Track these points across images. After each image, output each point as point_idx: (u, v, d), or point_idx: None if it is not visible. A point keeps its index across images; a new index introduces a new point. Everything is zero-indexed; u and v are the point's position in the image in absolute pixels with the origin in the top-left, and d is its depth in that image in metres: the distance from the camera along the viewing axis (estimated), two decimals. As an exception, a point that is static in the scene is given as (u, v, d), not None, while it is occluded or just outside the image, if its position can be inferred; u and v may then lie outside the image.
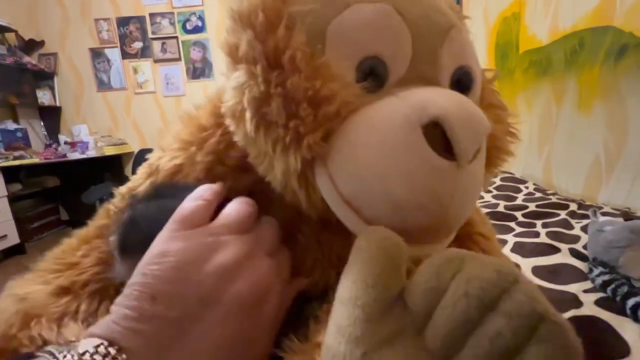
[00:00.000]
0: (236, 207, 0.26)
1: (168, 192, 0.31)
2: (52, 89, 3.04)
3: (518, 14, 1.77)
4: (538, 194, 1.37)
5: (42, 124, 3.04)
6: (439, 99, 0.21)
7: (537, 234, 0.95)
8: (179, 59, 3.06)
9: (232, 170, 0.33)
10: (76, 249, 0.34)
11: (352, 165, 0.23)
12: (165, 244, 0.22)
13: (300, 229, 0.33)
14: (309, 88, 0.21)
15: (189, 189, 0.28)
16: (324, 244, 0.33)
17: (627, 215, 0.98)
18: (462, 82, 0.26)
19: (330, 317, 0.19)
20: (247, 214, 0.26)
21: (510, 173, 1.69)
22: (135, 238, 0.27)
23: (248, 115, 0.23)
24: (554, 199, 1.26)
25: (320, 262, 0.33)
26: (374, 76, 0.23)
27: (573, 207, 1.16)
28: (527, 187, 1.47)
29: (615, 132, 1.24)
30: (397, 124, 0.21)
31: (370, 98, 0.23)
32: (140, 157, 2.96)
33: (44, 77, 2.99)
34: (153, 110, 3.13)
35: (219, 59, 3.05)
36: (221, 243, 0.23)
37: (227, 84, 0.26)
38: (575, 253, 0.82)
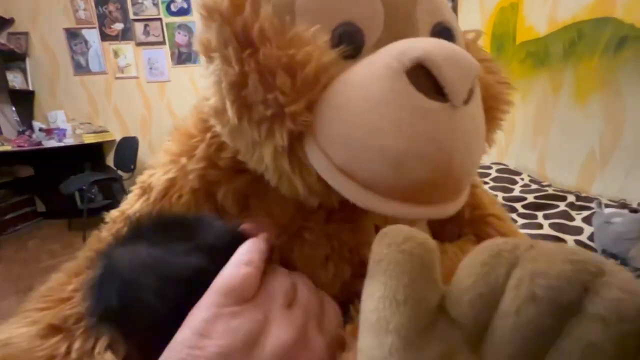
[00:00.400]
0: (280, 279, 0.24)
1: (175, 228, 0.25)
2: (23, 71, 2.83)
3: (516, 5, 1.76)
4: (534, 186, 1.38)
5: (13, 109, 2.84)
6: (419, 43, 0.20)
7: (540, 226, 0.95)
8: (163, 43, 2.91)
9: (225, 174, 0.32)
10: (66, 284, 0.31)
11: (341, 129, 0.21)
12: (208, 322, 0.18)
13: (305, 226, 0.32)
14: (282, 56, 0.21)
15: (204, 223, 0.24)
16: (333, 237, 0.31)
17: (625, 206, 0.99)
18: (442, 37, 0.25)
19: (358, 347, 0.15)
20: (289, 285, 0.24)
21: (504, 164, 1.70)
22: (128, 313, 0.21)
23: (229, 103, 0.23)
24: (550, 191, 1.27)
25: (331, 258, 0.31)
26: (349, 43, 0.22)
27: (571, 198, 1.17)
28: (522, 179, 1.48)
29: (611, 124, 1.25)
30: (379, 74, 0.20)
31: (349, 64, 0.22)
32: (123, 145, 2.83)
33: (15, 59, 2.78)
34: (136, 97, 2.98)
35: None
36: (272, 320, 0.20)
37: (206, 82, 0.25)
38: (581, 245, 0.81)
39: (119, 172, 2.76)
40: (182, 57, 2.95)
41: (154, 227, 0.25)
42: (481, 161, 0.26)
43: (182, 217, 0.27)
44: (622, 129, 1.21)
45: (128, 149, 2.74)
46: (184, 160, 0.33)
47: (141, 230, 0.25)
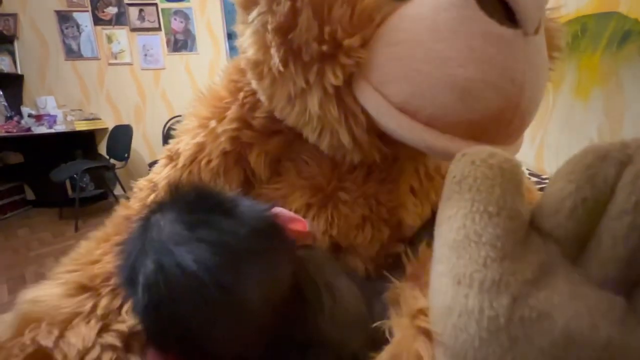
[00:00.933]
0: None
1: (213, 203, 0.23)
2: (12, 54, 2.72)
3: (519, -2, 1.76)
4: (533, 179, 1.39)
5: (1, 93, 2.74)
6: None
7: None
8: (158, 29, 2.83)
9: (259, 135, 0.32)
10: (95, 249, 0.32)
11: (401, 65, 0.21)
12: None
13: (341, 187, 0.31)
14: None
15: (239, 202, 0.23)
16: (370, 198, 0.31)
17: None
18: None
19: (434, 275, 0.15)
20: None
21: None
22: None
23: (274, 49, 0.22)
24: (551, 183, 1.29)
25: (369, 219, 0.31)
26: None
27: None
28: (522, 172, 1.50)
29: (611, 119, 1.27)
30: (446, 3, 0.19)
31: (400, 4, 0.21)
32: (116, 134, 2.76)
33: (2, 41, 2.67)
34: (129, 84, 2.90)
35: (203, 32, 2.86)
36: None
37: (243, 37, 0.24)
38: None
39: (112, 160, 2.70)
40: (178, 44, 2.88)
41: (192, 198, 0.24)
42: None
43: (218, 192, 0.26)
44: (621, 123, 1.23)
45: (121, 137, 2.67)
46: (213, 123, 0.32)
47: (179, 199, 0.24)
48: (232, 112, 0.31)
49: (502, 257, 0.12)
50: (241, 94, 0.31)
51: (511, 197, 0.13)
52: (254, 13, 0.23)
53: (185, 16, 2.83)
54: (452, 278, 0.13)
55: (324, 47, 0.21)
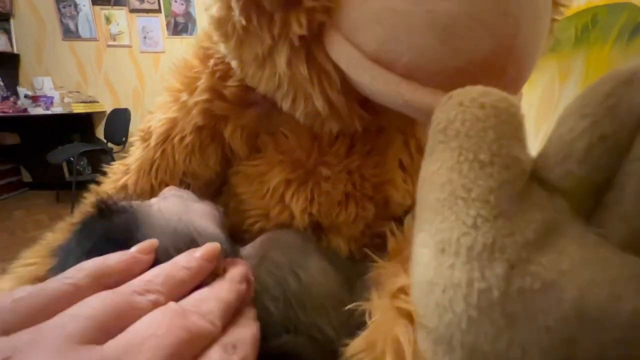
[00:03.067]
0: None
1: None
2: (7, 32, 2.67)
3: (529, -13, 1.71)
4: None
5: (-3, 72, 2.70)
6: None
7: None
8: (158, 11, 2.77)
9: (233, 107, 0.29)
10: (58, 240, 0.30)
11: (374, 5, 0.17)
12: None
13: (323, 162, 0.29)
14: None
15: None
16: (354, 173, 0.29)
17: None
18: None
19: (415, 243, 0.12)
20: None
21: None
22: None
23: (234, 1, 0.19)
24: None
25: (352, 196, 0.29)
26: None
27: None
28: (525, 166, 1.48)
29: (618, 113, 1.24)
30: None
31: None
32: (114, 117, 2.73)
33: (-1, 18, 2.62)
34: (128, 67, 2.85)
35: (204, 15, 2.79)
36: None
37: None
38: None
39: (110, 144, 2.67)
40: (179, 27, 2.82)
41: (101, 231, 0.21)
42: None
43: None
44: (630, 118, 1.20)
45: (119, 121, 2.64)
46: (184, 96, 0.30)
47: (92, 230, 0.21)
48: (202, 82, 0.29)
49: (496, 215, 0.10)
50: (211, 62, 0.28)
51: (508, 142, 0.10)
52: None
53: (185, -2, 2.77)
54: (434, 246, 0.11)
55: None
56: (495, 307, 0.09)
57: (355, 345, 0.16)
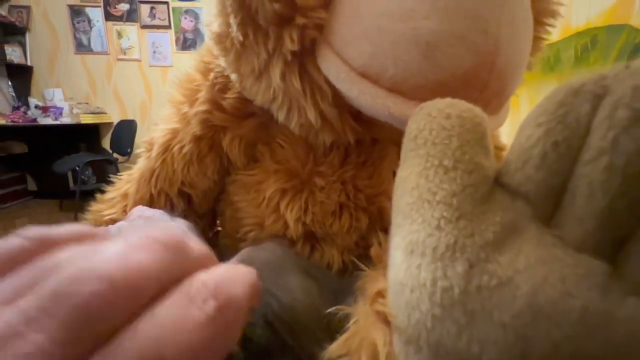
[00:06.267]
0: None
1: None
2: (22, 45, 2.77)
3: (528, 8, 1.76)
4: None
5: (9, 83, 2.77)
6: None
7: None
8: (168, 27, 2.87)
9: (231, 117, 0.30)
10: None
11: (361, 22, 0.19)
12: None
13: (317, 172, 0.29)
14: None
15: None
16: (348, 183, 0.29)
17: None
18: None
19: (390, 247, 0.13)
20: None
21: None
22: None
23: (232, 17, 0.20)
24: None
25: (346, 207, 0.29)
26: None
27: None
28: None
29: (618, 132, 1.25)
30: None
31: None
32: (120, 128, 2.78)
33: (14, 32, 2.72)
34: (137, 80, 2.92)
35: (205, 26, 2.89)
36: None
37: (212, 10, 0.23)
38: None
39: (115, 155, 2.71)
40: (187, 42, 2.91)
41: None
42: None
43: None
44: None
45: (126, 132, 2.68)
46: (185, 107, 0.31)
47: None
48: (202, 95, 0.30)
49: (458, 216, 0.10)
50: (211, 75, 0.30)
51: (471, 149, 0.11)
52: None
53: (195, 15, 2.87)
54: (404, 248, 0.11)
55: (276, 6, 0.19)
56: (456, 305, 0.09)
57: (333, 349, 0.17)
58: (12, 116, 2.53)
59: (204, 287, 0.09)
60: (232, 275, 0.10)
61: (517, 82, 0.20)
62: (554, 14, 0.25)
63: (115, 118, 2.93)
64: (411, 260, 0.11)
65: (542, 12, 0.24)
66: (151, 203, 0.34)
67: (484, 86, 0.18)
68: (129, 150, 2.60)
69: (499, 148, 0.36)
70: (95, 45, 2.86)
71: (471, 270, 0.09)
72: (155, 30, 2.88)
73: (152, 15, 2.85)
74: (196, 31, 2.90)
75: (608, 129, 0.09)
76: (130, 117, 2.87)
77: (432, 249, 0.10)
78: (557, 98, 0.10)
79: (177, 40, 2.90)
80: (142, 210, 0.28)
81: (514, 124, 0.25)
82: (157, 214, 0.28)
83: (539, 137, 0.10)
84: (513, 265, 0.09)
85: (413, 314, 0.11)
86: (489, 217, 0.10)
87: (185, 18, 2.87)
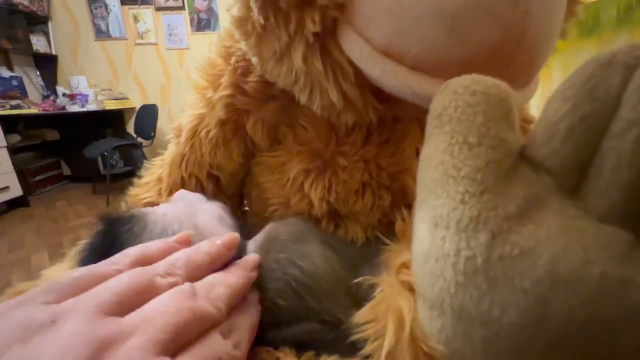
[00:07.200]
0: None
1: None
2: (46, 34, 2.84)
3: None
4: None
5: (38, 73, 2.88)
6: None
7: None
8: (182, 8, 2.85)
9: (254, 101, 0.31)
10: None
11: (383, 0, 0.18)
12: None
13: (340, 152, 0.30)
14: None
15: None
16: (370, 162, 0.29)
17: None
18: None
19: (415, 222, 0.13)
20: None
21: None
22: None
23: (252, 1, 0.20)
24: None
25: (369, 185, 0.30)
26: None
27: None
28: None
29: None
30: None
31: None
32: (143, 113, 2.85)
33: (38, 21, 2.79)
34: (155, 64, 2.96)
35: (225, 11, 2.84)
36: None
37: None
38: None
39: (139, 139, 2.80)
40: (202, 23, 2.89)
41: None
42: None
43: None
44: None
45: (148, 116, 2.76)
46: (209, 93, 0.32)
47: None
48: (225, 79, 0.31)
49: (482, 191, 0.11)
50: (233, 59, 0.30)
51: (496, 125, 0.11)
52: None
53: (208, -6, 2.82)
54: (429, 221, 0.12)
55: None
56: (478, 272, 0.10)
57: (360, 314, 0.18)
58: (43, 105, 2.65)
59: None
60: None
61: (548, 54, 0.20)
62: None
63: (137, 103, 3.00)
64: (435, 232, 0.11)
65: None
66: (182, 185, 0.36)
67: (512, 59, 0.17)
68: (152, 134, 2.68)
69: (527, 121, 0.35)
70: (113, 30, 2.89)
71: (494, 240, 0.10)
72: (170, 12, 2.86)
73: (166, -3, 2.83)
74: (210, 11, 2.87)
75: (638, 101, 0.09)
76: (150, 101, 2.93)
77: (457, 221, 0.11)
78: (587, 71, 0.10)
79: (191, 21, 2.88)
80: (183, 193, 0.30)
81: (545, 95, 0.24)
82: (196, 197, 0.30)
83: (565, 112, 0.10)
84: (535, 236, 0.10)
85: (437, 282, 0.11)
86: (512, 191, 0.10)
87: (199, -3, 2.83)
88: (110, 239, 0.23)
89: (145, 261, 0.17)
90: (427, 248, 0.12)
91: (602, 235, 0.09)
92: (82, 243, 0.25)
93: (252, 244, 0.27)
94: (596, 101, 0.10)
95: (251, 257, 0.21)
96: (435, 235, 0.11)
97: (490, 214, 0.10)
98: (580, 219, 0.10)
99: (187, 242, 0.20)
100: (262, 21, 0.21)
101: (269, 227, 0.29)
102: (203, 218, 0.25)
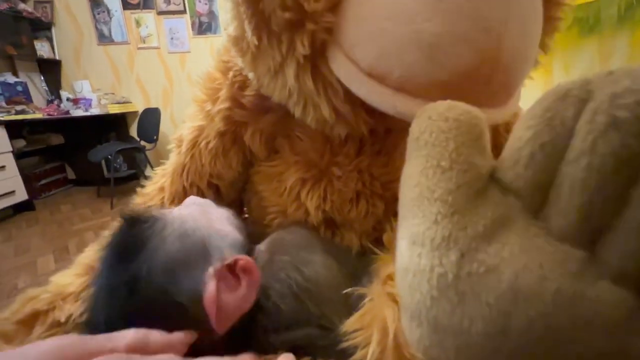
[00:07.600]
0: None
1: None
2: (50, 40, 2.88)
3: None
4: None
5: (42, 78, 2.92)
6: None
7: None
8: (183, 12, 2.87)
9: (251, 113, 0.32)
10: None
11: (367, 25, 0.19)
12: None
13: (334, 161, 0.31)
14: None
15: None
16: (364, 172, 0.31)
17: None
18: None
19: (397, 237, 0.14)
20: None
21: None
22: None
23: (247, 21, 0.21)
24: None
25: (362, 194, 0.31)
26: None
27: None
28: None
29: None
30: None
31: None
32: (145, 116, 2.88)
33: (42, 27, 2.82)
34: (157, 68, 2.98)
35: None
36: None
37: (226, 13, 0.24)
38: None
39: (142, 142, 2.83)
40: (203, 26, 2.91)
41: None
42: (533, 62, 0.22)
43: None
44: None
45: (150, 120, 2.78)
46: (208, 105, 0.33)
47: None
48: (224, 92, 0.32)
49: (452, 212, 0.12)
50: (230, 74, 0.32)
51: (466, 150, 0.12)
52: None
53: (209, -2, 2.84)
54: (408, 238, 0.13)
55: (287, 15, 0.20)
56: (450, 287, 0.11)
57: (349, 323, 0.19)
58: (47, 109, 2.68)
59: None
60: None
61: (526, 72, 0.21)
62: (564, 3, 0.24)
63: (139, 107, 3.03)
64: (413, 249, 0.12)
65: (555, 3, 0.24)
66: (184, 194, 0.37)
67: (488, 81, 0.18)
68: (154, 137, 2.70)
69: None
70: (116, 35, 2.92)
71: (463, 258, 0.11)
72: (171, 16, 2.89)
73: (167, 1, 2.85)
74: (211, 14, 2.89)
75: (588, 133, 0.10)
76: (153, 105, 2.96)
77: (431, 240, 0.12)
78: (545, 103, 0.11)
79: (192, 24, 2.90)
80: (194, 199, 0.32)
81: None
82: (207, 201, 0.31)
83: (527, 139, 0.11)
84: (499, 254, 0.10)
85: (415, 295, 0.12)
86: (481, 212, 0.11)
87: (200, 1, 2.85)
88: (132, 236, 0.24)
89: (139, 350, 0.16)
90: (406, 263, 0.13)
91: (558, 253, 0.10)
92: (100, 241, 0.27)
93: (262, 246, 0.28)
94: (553, 130, 0.11)
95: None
96: (413, 252, 0.12)
97: (460, 234, 0.11)
98: (540, 238, 0.11)
99: (181, 352, 0.19)
100: (255, 42, 0.23)
101: (274, 235, 0.30)
102: (214, 217, 0.27)
